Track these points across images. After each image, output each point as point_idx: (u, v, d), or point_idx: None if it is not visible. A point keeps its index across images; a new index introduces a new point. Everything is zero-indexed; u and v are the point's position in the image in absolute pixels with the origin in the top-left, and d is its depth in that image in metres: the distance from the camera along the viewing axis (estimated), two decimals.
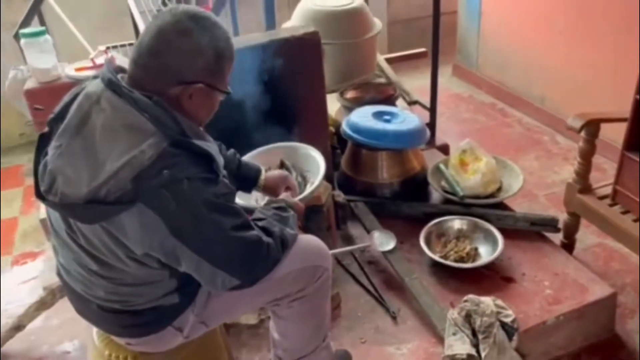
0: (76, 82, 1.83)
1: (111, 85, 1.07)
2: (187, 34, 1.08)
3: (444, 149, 2.72)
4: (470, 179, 2.17)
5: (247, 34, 2.22)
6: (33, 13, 2.28)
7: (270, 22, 2.22)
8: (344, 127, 2.26)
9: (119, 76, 1.10)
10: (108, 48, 2.32)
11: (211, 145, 1.11)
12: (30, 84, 1.81)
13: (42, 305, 1.90)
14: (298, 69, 2.12)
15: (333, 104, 2.71)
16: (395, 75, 2.95)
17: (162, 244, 1.05)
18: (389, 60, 3.20)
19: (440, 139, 2.83)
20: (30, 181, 3.08)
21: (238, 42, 2.03)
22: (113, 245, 1.09)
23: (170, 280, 1.16)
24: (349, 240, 2.16)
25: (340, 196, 2.15)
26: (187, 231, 1.05)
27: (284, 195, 1.43)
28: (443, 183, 2.25)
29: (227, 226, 1.08)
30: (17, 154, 3.39)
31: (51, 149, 1.10)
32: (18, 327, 1.90)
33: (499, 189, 2.22)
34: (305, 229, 1.99)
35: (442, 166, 2.30)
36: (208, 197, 1.05)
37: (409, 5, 3.93)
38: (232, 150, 1.52)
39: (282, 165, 1.70)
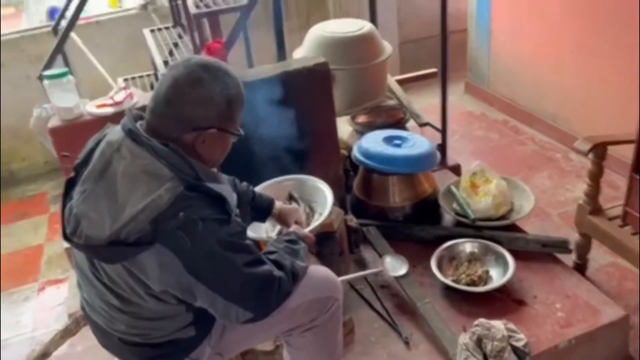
0: (97, 118, 1.92)
1: (131, 134, 1.14)
2: (199, 84, 1.15)
3: (456, 170, 2.76)
4: (482, 201, 2.20)
5: (260, 65, 2.30)
6: (57, 53, 2.39)
7: (282, 54, 2.29)
8: (355, 152, 2.31)
9: (138, 124, 1.18)
10: (126, 80, 2.41)
11: (224, 187, 1.18)
12: (55, 122, 1.91)
13: (67, 333, 1.98)
14: (309, 98, 2.19)
15: (345, 127, 2.77)
16: (406, 97, 3.00)
17: (179, 281, 1.12)
18: (400, 82, 3.26)
19: (452, 158, 2.87)
20: (55, 208, 3.19)
21: (251, 74, 2.12)
22: (133, 283, 1.16)
23: (186, 314, 1.22)
24: (362, 264, 2.20)
25: (353, 220, 2.20)
26: (202, 269, 1.11)
27: (294, 227, 1.49)
28: (454, 205, 2.29)
29: (239, 263, 1.14)
30: (42, 182, 3.51)
31: (76, 193, 1.18)
32: (44, 355, 1.98)
33: (510, 211, 2.25)
34: (319, 255, 2.05)
35: (453, 188, 2.34)
36: (221, 236, 1.11)
37: (420, 24, 3.99)
38: (245, 183, 1.59)
39: (290, 198, 1.76)
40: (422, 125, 2.78)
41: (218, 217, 1.12)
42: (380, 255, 2.07)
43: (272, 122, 2.07)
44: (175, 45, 2.53)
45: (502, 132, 3.47)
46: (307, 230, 1.54)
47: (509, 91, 3.60)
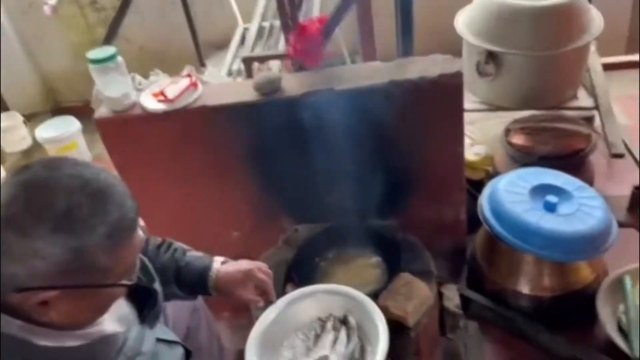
0: (149, 115, 1.55)
1: None
2: (15, 224, 0.70)
3: None
4: None
5: (365, 63, 1.65)
6: (116, 29, 2.01)
7: (408, 47, 1.59)
8: (483, 201, 1.61)
9: None
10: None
11: None
12: (103, 111, 1.59)
13: None
14: (426, 120, 1.53)
15: (492, 132, 2.02)
16: (607, 99, 2.06)
17: None
18: (613, 67, 2.27)
19: None
20: None
21: (341, 80, 1.52)
22: None
23: None
24: (454, 357, 1.60)
25: (453, 301, 1.57)
26: None
27: None
28: (621, 313, 1.50)
29: None
30: None
31: None
32: None
33: None
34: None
35: (628, 283, 1.53)
36: None
37: None
38: (174, 248, 1.14)
39: (344, 322, 1.22)
40: (616, 156, 1.88)
41: None
42: None
43: (361, 147, 1.49)
44: None
45: None
46: None
47: None
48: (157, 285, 0.95)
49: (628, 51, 2.62)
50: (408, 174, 1.63)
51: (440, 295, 1.57)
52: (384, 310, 1.28)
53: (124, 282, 0.78)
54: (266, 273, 1.16)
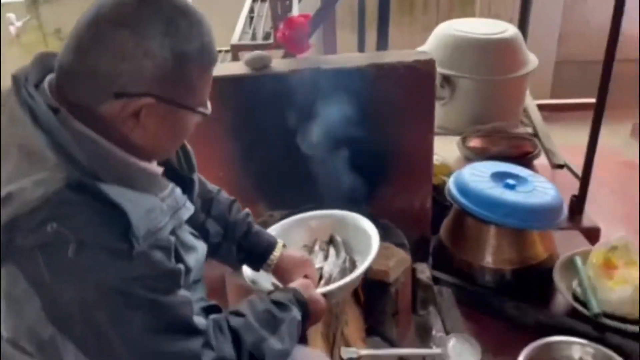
0: None
1: (17, 85, 0.75)
2: (131, 23, 0.72)
3: (593, 235, 2.04)
4: (616, 290, 1.53)
5: (345, 53, 1.84)
6: None
7: (383, 42, 1.80)
8: (450, 183, 1.75)
9: (49, 77, 0.78)
10: None
11: (144, 200, 0.74)
12: None
13: None
14: (401, 104, 1.69)
15: (453, 150, 2.22)
16: (544, 128, 2.34)
17: (34, 329, 0.71)
18: (542, 108, 2.59)
19: (590, 219, 2.15)
20: None
21: (326, 61, 1.68)
22: None
23: None
24: (425, 332, 1.64)
25: (424, 273, 1.65)
26: (72, 322, 0.69)
27: (300, 282, 1.02)
28: (575, 285, 1.63)
29: (137, 329, 0.70)
30: None
31: None
32: None
33: None
34: (366, 310, 1.55)
35: (578, 261, 1.68)
36: (108, 278, 0.68)
37: (587, 44, 3.21)
38: (245, 212, 1.14)
39: (330, 242, 1.28)
40: (557, 167, 2.12)
41: (110, 244, 0.69)
42: (447, 332, 1.50)
43: (343, 128, 1.60)
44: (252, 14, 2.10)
45: None
46: (320, 291, 1.06)
47: None
48: (195, 176, 0.98)
49: (552, 96, 3.02)
50: (382, 159, 1.74)
51: (413, 272, 1.64)
52: (367, 270, 1.34)
53: (203, 110, 0.81)
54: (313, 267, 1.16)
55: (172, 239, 0.77)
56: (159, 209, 0.75)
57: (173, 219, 0.79)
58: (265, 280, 1.16)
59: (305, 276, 1.05)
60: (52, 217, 0.66)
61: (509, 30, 2.26)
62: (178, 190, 0.86)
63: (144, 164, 0.80)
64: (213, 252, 1.03)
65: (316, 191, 1.64)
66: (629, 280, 1.54)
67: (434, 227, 1.90)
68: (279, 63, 1.69)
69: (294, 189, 1.68)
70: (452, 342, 1.43)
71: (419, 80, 1.65)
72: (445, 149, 2.35)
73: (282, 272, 1.09)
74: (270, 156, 1.72)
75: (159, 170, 0.85)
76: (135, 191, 0.73)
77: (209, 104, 0.83)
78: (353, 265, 1.21)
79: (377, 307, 1.52)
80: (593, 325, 1.50)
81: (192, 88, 0.79)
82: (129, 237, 0.69)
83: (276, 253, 1.10)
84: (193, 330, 0.76)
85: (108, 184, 0.70)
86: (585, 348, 1.43)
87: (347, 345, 1.35)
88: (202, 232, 0.99)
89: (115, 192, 0.70)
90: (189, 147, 0.96)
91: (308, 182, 1.64)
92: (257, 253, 1.10)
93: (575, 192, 2.12)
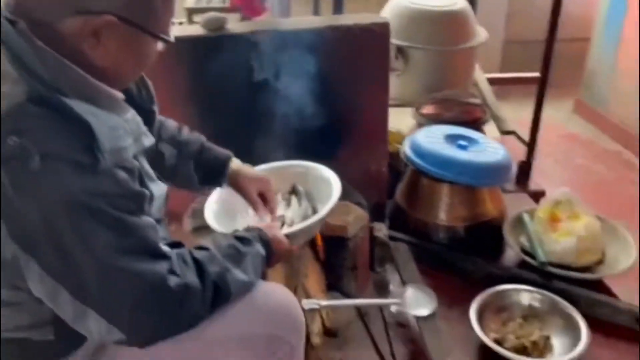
0: None
1: None
2: None
3: (538, 197, 2.13)
4: (560, 241, 1.62)
5: (301, 16, 1.86)
6: None
7: (339, 7, 1.82)
8: (405, 146, 1.80)
9: None
10: None
11: (107, 117, 0.73)
12: None
13: None
14: (357, 66, 1.72)
15: (408, 119, 2.27)
16: (493, 99, 2.43)
17: None
18: (492, 82, 2.68)
19: (536, 183, 2.26)
20: None
21: (284, 24, 1.69)
22: None
23: (37, 304, 0.78)
24: (382, 288, 1.69)
25: (381, 231, 1.70)
26: (36, 240, 0.69)
27: (263, 225, 1.03)
28: (522, 239, 1.71)
29: (102, 245, 0.70)
30: None
31: None
32: None
33: (600, 263, 1.64)
34: (325, 264, 1.58)
35: (526, 217, 1.76)
36: (73, 192, 0.68)
37: (533, 24, 3.34)
38: (196, 134, 1.16)
39: (292, 192, 1.30)
40: (506, 133, 2.21)
41: (74, 157, 0.68)
42: (404, 283, 1.55)
43: (300, 90, 1.62)
44: None
45: (612, 165, 2.77)
46: (285, 232, 1.08)
47: (631, 118, 2.88)
48: (155, 107, 0.98)
49: (502, 69, 3.13)
50: (340, 121, 1.77)
51: (370, 231, 1.68)
52: (325, 224, 1.37)
53: (165, 36, 0.81)
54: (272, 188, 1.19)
55: (136, 163, 0.77)
56: (122, 129, 0.75)
57: (136, 144, 0.79)
58: (228, 227, 1.17)
59: (261, 194, 1.07)
60: (13, 130, 0.65)
61: (459, 3, 2.32)
62: (139, 118, 0.86)
63: (105, 87, 0.79)
64: (172, 177, 1.04)
65: (274, 153, 1.66)
66: (572, 232, 1.63)
67: (389, 193, 1.95)
68: (235, 25, 1.68)
69: (251, 151, 1.69)
70: (409, 292, 1.48)
71: (374, 43, 1.69)
72: (400, 120, 2.41)
73: (240, 185, 1.11)
74: (227, 118, 1.72)
75: (121, 95, 0.85)
76: (99, 108, 0.73)
77: (171, 34, 0.83)
78: (315, 213, 1.24)
79: (336, 262, 1.56)
80: (540, 274, 1.58)
81: (155, 12, 0.79)
82: (94, 152, 0.68)
83: (233, 166, 1.13)
84: (159, 254, 0.76)
85: (71, 99, 0.69)
86: (533, 294, 1.51)
87: (308, 297, 1.38)
88: (157, 157, 0.99)
89: (80, 107, 0.69)
90: (147, 80, 0.95)
91: (265, 144, 1.65)
92: (215, 167, 1.12)
93: (523, 158, 2.22)
